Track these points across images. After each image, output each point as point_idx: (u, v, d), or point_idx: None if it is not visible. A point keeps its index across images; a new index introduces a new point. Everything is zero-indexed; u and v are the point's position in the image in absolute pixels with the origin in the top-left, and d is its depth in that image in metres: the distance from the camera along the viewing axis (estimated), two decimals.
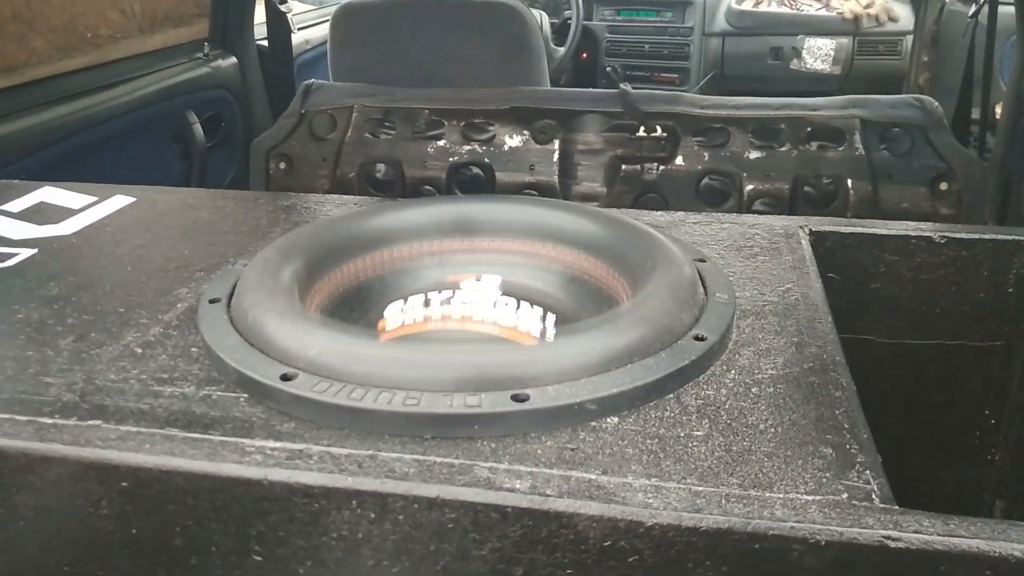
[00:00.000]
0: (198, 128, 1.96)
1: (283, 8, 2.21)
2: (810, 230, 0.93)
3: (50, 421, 0.59)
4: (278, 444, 0.57)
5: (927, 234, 0.92)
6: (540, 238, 0.86)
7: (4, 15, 1.37)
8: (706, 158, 1.70)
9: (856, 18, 2.97)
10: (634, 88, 3.07)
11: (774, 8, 3.07)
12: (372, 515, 0.53)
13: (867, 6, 2.99)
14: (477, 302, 0.76)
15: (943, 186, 1.59)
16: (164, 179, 1.96)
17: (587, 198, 1.80)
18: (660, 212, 0.99)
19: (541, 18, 2.84)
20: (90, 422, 0.59)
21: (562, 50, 2.92)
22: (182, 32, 2.03)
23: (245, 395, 0.62)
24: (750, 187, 1.67)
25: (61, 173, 1.56)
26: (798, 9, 3.07)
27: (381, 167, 1.83)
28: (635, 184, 1.74)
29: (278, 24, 2.25)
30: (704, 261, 0.81)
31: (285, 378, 0.61)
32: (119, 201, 1.02)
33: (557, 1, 3.08)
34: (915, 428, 0.98)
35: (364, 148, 1.84)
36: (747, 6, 3.08)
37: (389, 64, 1.96)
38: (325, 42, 2.18)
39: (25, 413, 0.60)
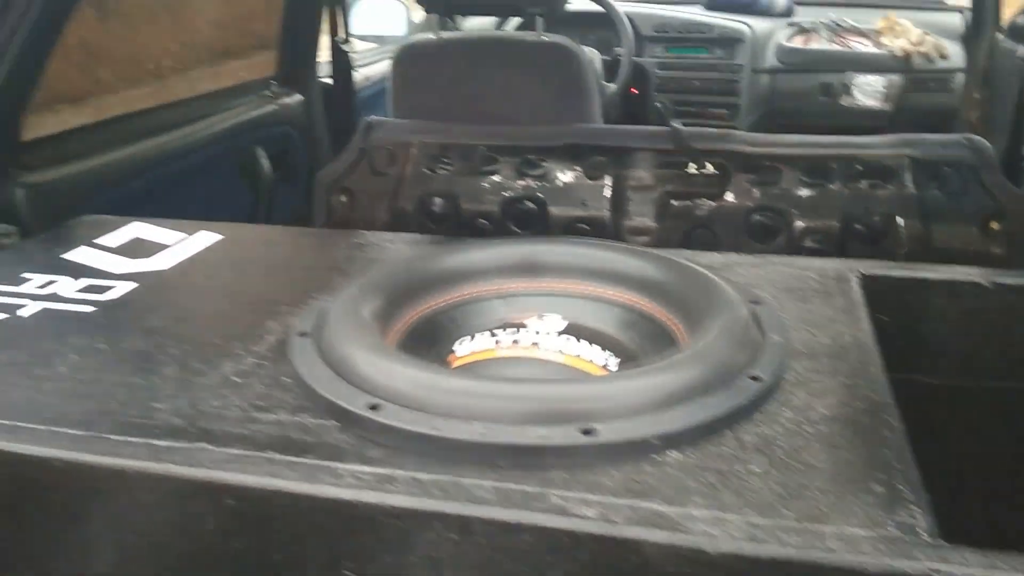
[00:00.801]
0: (266, 163, 2.05)
1: (345, 47, 2.31)
2: (861, 273, 0.97)
3: (163, 444, 0.65)
4: (368, 469, 0.62)
5: (976, 279, 0.95)
6: (600, 279, 0.91)
7: (70, 43, 1.46)
8: (756, 195, 1.73)
9: (907, 55, 2.98)
10: (684, 124, 3.11)
11: (824, 45, 3.10)
12: (454, 536, 0.58)
13: (918, 43, 3.00)
14: (542, 339, 0.81)
15: (994, 226, 1.60)
16: (233, 211, 2.05)
17: (638, 233, 1.84)
18: (715, 253, 1.04)
19: (592, 55, 2.91)
20: (198, 444, 0.66)
21: (613, 86, 2.97)
22: (251, 70, 2.13)
23: (335, 423, 0.68)
24: (800, 224, 1.70)
25: (141, 205, 1.66)
26: (848, 46, 3.09)
27: (438, 201, 1.90)
28: (685, 220, 1.78)
29: (341, 62, 2.35)
30: (759, 303, 0.86)
31: (373, 408, 0.67)
32: (207, 237, 1.09)
33: (608, 38, 3.14)
34: (967, 468, 1.00)
35: (422, 183, 1.91)
36: (797, 43, 3.12)
37: (448, 101, 2.04)
38: (385, 79, 2.26)
39: (140, 436, 0.67)
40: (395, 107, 2.10)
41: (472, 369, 0.80)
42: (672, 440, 0.64)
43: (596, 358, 0.80)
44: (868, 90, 3.04)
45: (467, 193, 1.86)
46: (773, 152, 1.75)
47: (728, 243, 1.76)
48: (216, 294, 0.93)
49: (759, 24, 3.14)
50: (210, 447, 0.65)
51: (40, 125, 1.49)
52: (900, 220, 1.65)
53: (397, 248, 1.06)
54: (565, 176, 1.86)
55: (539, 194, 1.83)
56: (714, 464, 0.63)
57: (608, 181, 1.82)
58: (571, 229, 1.82)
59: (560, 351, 0.80)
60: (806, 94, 3.07)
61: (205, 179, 1.92)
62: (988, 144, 1.63)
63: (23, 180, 1.38)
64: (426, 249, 1.03)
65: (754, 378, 0.71)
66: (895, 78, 3.00)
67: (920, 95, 2.99)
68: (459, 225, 1.88)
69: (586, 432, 0.63)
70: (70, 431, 0.67)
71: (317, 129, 2.33)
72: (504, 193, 1.86)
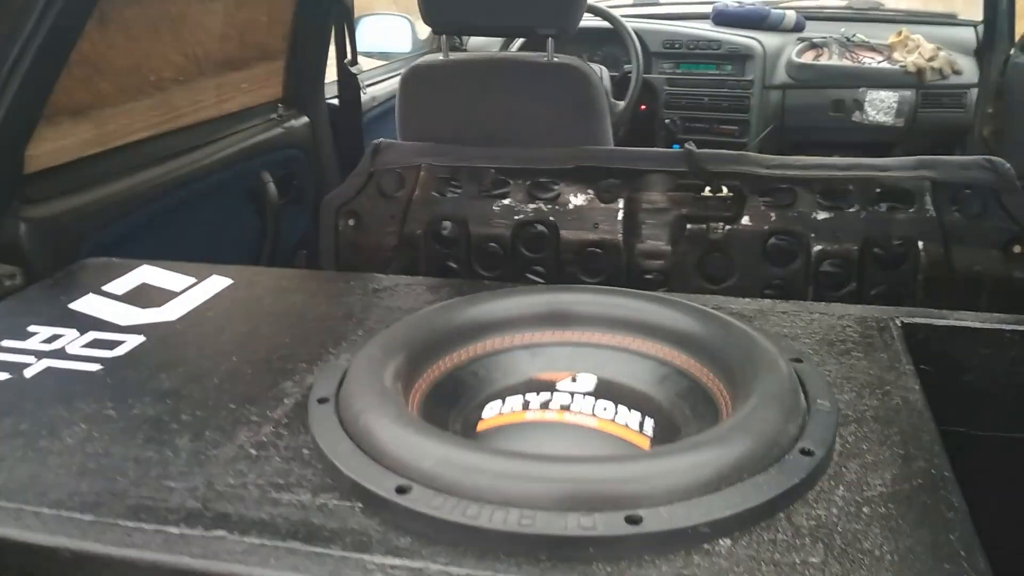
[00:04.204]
0: (272, 187, 2.01)
1: (353, 70, 2.27)
2: (902, 322, 0.93)
3: (176, 531, 0.61)
4: (397, 561, 0.58)
5: (1022, 328, 0.91)
6: (631, 331, 0.87)
7: (72, 58, 1.42)
8: (773, 218, 1.70)
9: (919, 71, 2.95)
10: (694, 140, 3.08)
11: (835, 61, 3.06)
12: None
13: (930, 59, 2.96)
14: (574, 402, 0.77)
15: (1016, 249, 1.57)
16: (240, 236, 2.01)
17: (651, 256, 1.81)
18: (746, 300, 0.99)
19: (601, 72, 2.87)
20: (215, 532, 0.61)
21: (622, 104, 2.94)
22: (257, 94, 2.09)
23: (360, 504, 0.64)
24: (818, 248, 1.67)
25: (147, 234, 1.62)
26: (860, 62, 3.05)
27: (447, 224, 1.86)
28: (700, 243, 1.75)
29: (348, 84, 2.31)
30: (801, 361, 0.81)
31: (400, 491, 0.62)
32: (217, 283, 1.05)
33: (616, 55, 3.11)
34: (1015, 519, 0.96)
35: (431, 206, 1.87)
36: (808, 59, 3.08)
37: (456, 123, 2.00)
38: (391, 98, 2.23)
39: (152, 521, 0.62)
40: (403, 129, 2.07)
41: (501, 436, 0.76)
42: (723, 527, 0.60)
43: (632, 422, 0.75)
44: (880, 106, 3.00)
45: (477, 216, 1.83)
46: (789, 174, 1.72)
47: (744, 267, 1.73)
48: (227, 349, 0.89)
49: (769, 39, 3.10)
50: (228, 535, 0.61)
51: (43, 157, 1.45)
52: (920, 244, 1.62)
53: (415, 293, 1.02)
54: (577, 199, 1.83)
55: (550, 217, 1.80)
56: (768, 554, 0.59)
57: (621, 204, 1.79)
58: (583, 253, 1.79)
59: (594, 415, 0.76)
60: (817, 110, 3.04)
61: (212, 205, 1.88)
62: (1009, 167, 1.59)
63: (26, 215, 1.35)
64: (446, 298, 0.99)
65: (805, 452, 0.67)
66: (907, 94, 2.96)
67: (933, 111, 2.96)
68: (468, 249, 1.84)
69: (631, 520, 0.59)
70: (79, 516, 0.63)
71: (324, 152, 2.29)
72: (515, 216, 1.82)
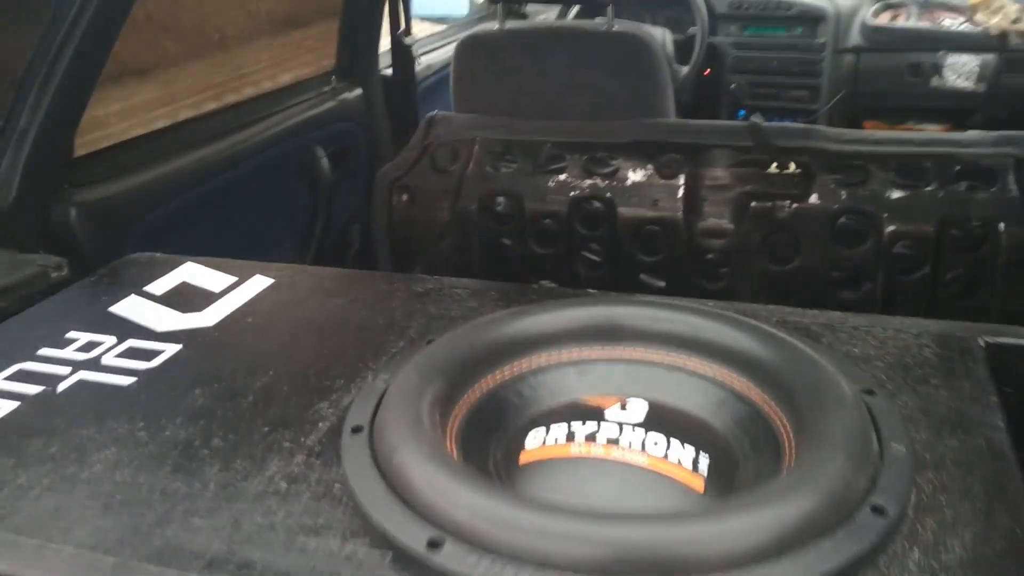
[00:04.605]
0: (325, 163, 1.98)
1: (407, 40, 2.21)
2: (987, 342, 0.85)
3: None
4: None
5: None
6: (687, 349, 0.81)
7: (138, 17, 1.40)
8: (843, 196, 1.61)
9: (1003, 34, 2.77)
10: (761, 106, 2.95)
11: (913, 23, 2.89)
12: None
13: (1015, 21, 2.78)
14: (625, 439, 0.72)
15: None
16: (293, 212, 1.99)
17: (713, 235, 1.73)
18: (815, 312, 0.92)
19: (664, 35, 2.76)
20: None
21: (685, 69, 2.83)
22: (311, 65, 2.05)
23: (391, 553, 0.60)
24: (891, 228, 1.58)
25: (199, 213, 1.61)
26: (939, 24, 2.88)
27: (501, 200, 1.82)
28: (765, 222, 1.67)
29: (402, 54, 2.25)
30: (873, 393, 0.75)
31: (432, 545, 0.58)
32: (258, 283, 1.02)
33: (680, 18, 2.99)
34: None
35: (485, 181, 1.82)
36: (883, 21, 2.92)
37: (512, 95, 1.94)
38: (446, 67, 2.17)
39: (176, 566, 0.60)
40: (457, 101, 2.02)
41: (544, 472, 0.71)
42: None
43: (685, 459, 0.70)
44: (961, 70, 2.84)
45: (532, 192, 1.77)
46: (862, 150, 1.63)
47: (811, 248, 1.65)
48: (264, 361, 0.85)
49: (842, 0, 2.94)
50: None
51: (93, 140, 1.43)
52: (1001, 225, 1.52)
53: (459, 299, 0.97)
54: (636, 174, 1.76)
55: (607, 194, 1.73)
56: None
57: (682, 180, 1.71)
58: (641, 231, 1.72)
59: (644, 450, 0.71)
60: (893, 75, 2.89)
61: (264, 181, 1.86)
62: None
63: (77, 199, 1.33)
64: (493, 304, 0.94)
65: (877, 510, 0.61)
66: (990, 58, 2.80)
67: (1017, 76, 2.79)
68: (523, 225, 1.79)
69: None
70: (102, 557, 0.61)
71: (378, 125, 2.25)
72: (571, 192, 1.76)
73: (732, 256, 1.72)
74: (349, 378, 0.82)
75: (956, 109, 2.86)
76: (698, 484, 0.69)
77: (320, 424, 0.75)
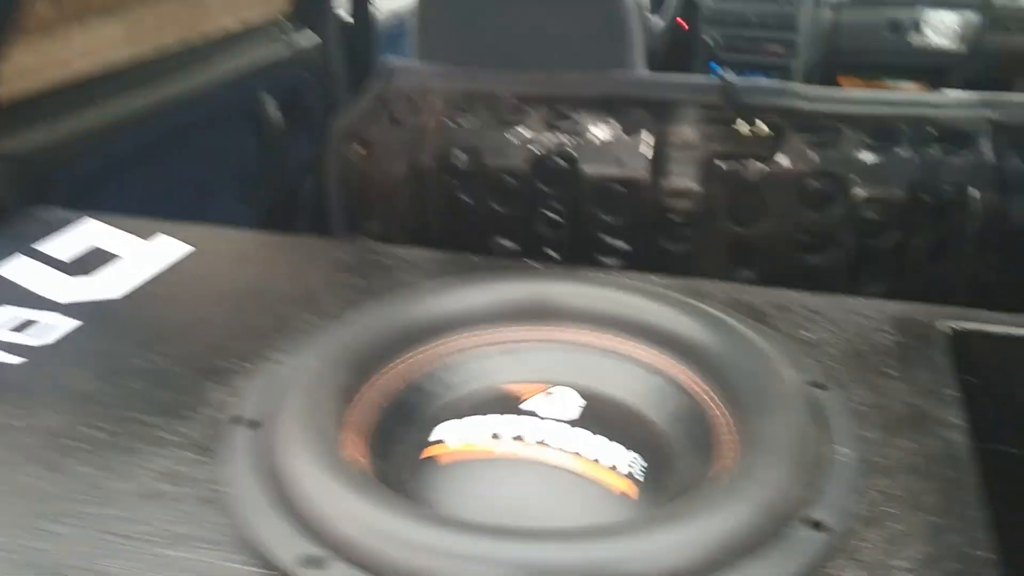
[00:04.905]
0: (275, 112, 1.88)
1: None
2: (951, 329, 0.78)
3: None
4: None
5: None
6: (626, 332, 0.74)
7: None
8: (813, 158, 1.54)
9: None
10: (736, 59, 2.86)
11: None
12: None
13: None
14: (550, 432, 0.65)
15: None
16: (241, 164, 1.90)
17: (679, 196, 1.66)
18: (769, 289, 0.85)
19: None
20: None
21: (659, 21, 2.73)
22: (263, 7, 1.94)
23: (269, 573, 0.53)
24: (860, 193, 1.51)
25: (134, 165, 1.51)
26: None
27: (461, 155, 1.73)
28: (732, 184, 1.60)
29: None
30: (823, 388, 0.68)
31: (310, 563, 0.51)
32: (176, 250, 0.93)
33: None
34: None
35: (444, 135, 1.74)
36: None
37: (474, 44, 1.84)
38: (409, 14, 2.06)
39: None
40: (418, 49, 1.91)
41: (456, 474, 0.64)
42: None
43: (619, 462, 0.63)
44: (941, 28, 2.77)
45: (492, 147, 1.69)
46: (834, 110, 1.55)
47: (777, 211, 1.58)
48: (166, 341, 0.77)
49: None
50: None
51: (14, 87, 1.33)
52: (974, 192, 1.46)
53: (384, 269, 0.90)
54: (600, 131, 1.67)
55: (571, 150, 1.66)
56: None
57: (648, 137, 1.64)
58: (605, 190, 1.65)
59: (572, 451, 0.63)
60: (872, 30, 2.81)
61: (209, 131, 1.76)
62: None
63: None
64: (425, 274, 0.86)
65: (816, 524, 0.55)
66: (972, 16, 2.72)
67: (999, 35, 2.71)
68: (484, 182, 1.72)
69: None
70: None
71: (334, 73, 2.14)
72: (532, 148, 1.68)
73: (697, 218, 1.66)
74: (252, 360, 0.74)
75: (934, 67, 2.79)
76: (629, 489, 0.62)
77: (211, 414, 0.68)
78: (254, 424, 0.64)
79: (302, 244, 0.98)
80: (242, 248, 0.96)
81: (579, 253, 1.68)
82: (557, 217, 1.74)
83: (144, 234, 0.96)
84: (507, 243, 1.74)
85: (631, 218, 1.65)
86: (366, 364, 0.69)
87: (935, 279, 1.53)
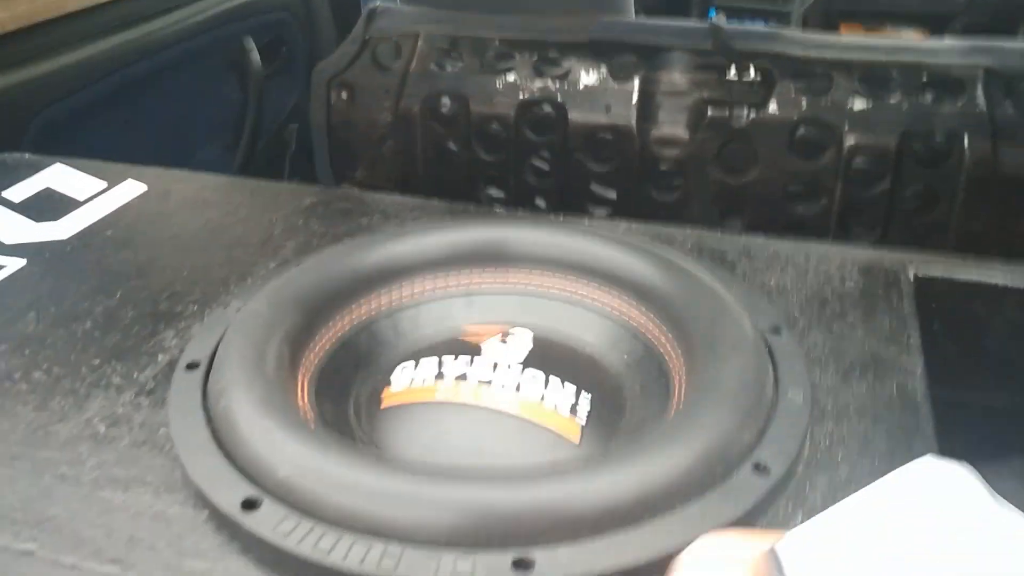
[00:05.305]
0: (255, 56, 1.84)
1: None
2: (916, 275, 0.77)
3: None
4: None
5: None
6: (586, 278, 0.73)
7: None
8: (803, 106, 1.52)
9: None
10: (733, 6, 2.80)
11: None
12: None
13: None
14: (498, 374, 0.64)
15: None
16: (220, 110, 1.87)
17: (667, 143, 1.64)
18: (738, 236, 0.84)
19: None
20: (24, 545, 0.51)
21: None
22: None
23: (206, 513, 0.53)
24: (851, 141, 1.49)
25: (111, 109, 1.48)
26: None
27: (446, 101, 1.70)
28: (722, 131, 1.58)
29: None
30: (779, 333, 0.67)
31: (247, 506, 0.51)
32: (129, 190, 0.92)
33: None
34: None
35: (429, 80, 1.71)
36: None
37: None
38: None
39: None
40: None
41: (403, 419, 0.63)
42: (639, 573, 0.48)
43: (563, 404, 0.62)
44: None
45: (478, 94, 1.66)
46: (827, 56, 1.52)
47: (767, 159, 1.56)
48: (114, 281, 0.76)
49: None
50: (37, 551, 0.50)
51: None
52: (966, 140, 1.44)
53: (344, 212, 0.88)
54: (588, 77, 1.64)
55: (558, 97, 1.63)
56: None
57: (636, 84, 1.60)
58: (593, 138, 1.63)
59: (518, 394, 0.63)
60: None
61: (186, 76, 1.73)
62: None
63: None
64: (390, 220, 0.85)
65: (760, 468, 0.54)
66: None
67: None
68: (469, 129, 1.69)
69: (520, 566, 0.47)
70: None
71: (317, 15, 2.10)
72: (519, 95, 1.65)
73: (686, 167, 1.63)
74: (204, 304, 0.73)
75: (937, 14, 2.73)
76: (574, 433, 0.61)
77: (159, 357, 0.67)
78: (198, 366, 0.63)
79: (266, 188, 0.96)
80: (201, 191, 0.94)
81: (568, 202, 1.66)
82: (545, 166, 1.72)
83: (109, 178, 0.94)
84: (495, 192, 1.72)
85: (620, 166, 1.63)
86: (318, 309, 0.67)
87: (925, 229, 1.51)
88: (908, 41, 1.59)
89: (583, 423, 0.62)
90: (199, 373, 0.62)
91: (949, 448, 0.59)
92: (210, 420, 0.57)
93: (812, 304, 0.73)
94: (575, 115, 1.61)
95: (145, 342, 0.68)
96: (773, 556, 0.36)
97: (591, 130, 1.61)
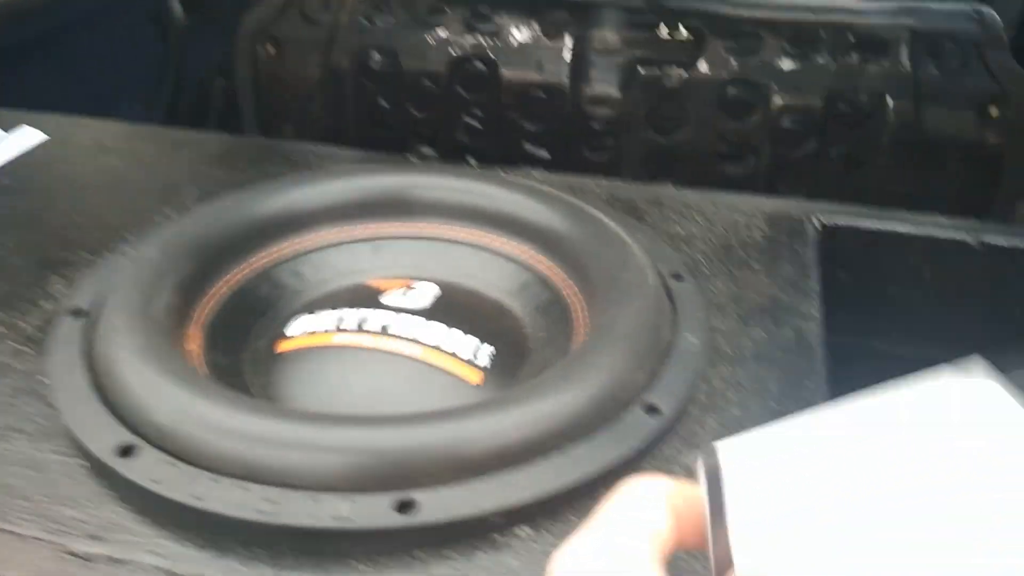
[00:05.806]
0: (176, 5, 1.78)
1: None
2: (821, 224, 0.78)
3: None
4: (101, 550, 0.46)
5: (963, 237, 0.76)
6: (492, 226, 0.72)
7: None
8: (733, 65, 1.52)
9: None
10: None
11: None
12: None
13: None
14: (397, 320, 0.63)
15: (993, 112, 1.40)
16: (140, 64, 1.80)
17: (599, 102, 1.63)
18: (647, 187, 0.84)
19: None
20: None
21: None
22: None
23: (84, 463, 0.51)
24: (779, 101, 1.50)
25: (20, 62, 1.42)
26: None
27: (377, 57, 1.67)
28: (653, 91, 1.57)
29: None
30: (681, 279, 0.67)
31: (123, 452, 0.49)
32: (28, 139, 0.88)
33: None
34: None
35: (359, 34, 1.66)
36: None
37: None
38: None
39: None
40: None
41: (296, 364, 0.62)
42: (522, 514, 0.48)
43: (463, 349, 0.62)
44: None
45: (409, 49, 1.62)
46: (756, 16, 1.52)
47: (698, 119, 1.56)
48: (4, 230, 0.73)
49: None
50: None
51: None
52: (890, 100, 1.46)
53: (254, 161, 0.86)
54: (520, 34, 1.62)
55: (491, 54, 1.60)
56: None
57: (568, 42, 1.59)
58: (526, 96, 1.61)
59: (417, 340, 0.62)
60: None
61: (103, 25, 1.66)
62: (998, 18, 1.40)
63: None
64: (295, 167, 0.83)
65: (650, 408, 0.54)
66: None
67: None
68: (401, 86, 1.66)
69: (402, 507, 0.47)
70: None
71: None
72: (451, 51, 1.63)
73: (618, 126, 1.63)
74: (98, 252, 0.70)
75: None
76: (475, 377, 0.61)
77: (45, 305, 0.64)
78: (83, 314, 0.61)
79: (172, 136, 0.93)
80: (102, 138, 0.90)
81: (501, 162, 1.64)
82: (477, 124, 1.70)
83: (5, 124, 0.90)
84: (427, 150, 1.70)
85: (552, 125, 1.62)
86: (214, 256, 0.66)
87: (851, 189, 1.53)
88: (837, 1, 1.59)
89: (487, 367, 0.61)
90: (80, 320, 0.60)
91: (844, 394, 0.60)
92: (91, 367, 0.55)
93: (718, 251, 0.73)
94: (507, 72, 1.59)
95: (33, 290, 0.66)
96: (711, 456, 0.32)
97: (523, 88, 1.59)
